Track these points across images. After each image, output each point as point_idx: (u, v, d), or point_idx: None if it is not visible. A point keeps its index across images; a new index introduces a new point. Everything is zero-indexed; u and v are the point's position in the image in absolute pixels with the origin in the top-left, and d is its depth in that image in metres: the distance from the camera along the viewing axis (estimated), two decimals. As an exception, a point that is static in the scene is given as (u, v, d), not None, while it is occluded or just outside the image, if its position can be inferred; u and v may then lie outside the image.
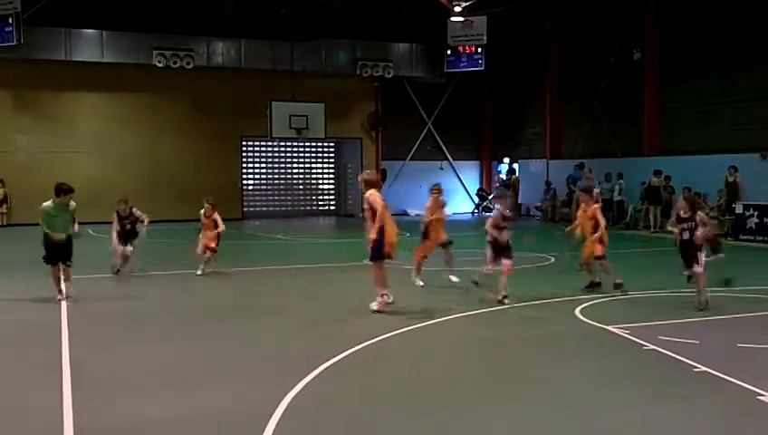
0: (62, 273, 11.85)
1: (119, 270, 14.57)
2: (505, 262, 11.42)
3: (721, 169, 21.58)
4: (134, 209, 14.94)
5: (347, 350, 8.47)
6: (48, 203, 11.63)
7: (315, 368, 7.64)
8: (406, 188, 32.79)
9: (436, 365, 8.21)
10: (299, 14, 28.68)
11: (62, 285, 11.80)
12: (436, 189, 13.47)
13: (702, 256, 10.45)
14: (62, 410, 6.38)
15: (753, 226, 20.14)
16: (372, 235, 10.49)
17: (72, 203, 11.90)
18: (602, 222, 12.25)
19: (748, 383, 7.06)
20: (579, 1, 28.36)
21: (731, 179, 21.37)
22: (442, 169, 34.02)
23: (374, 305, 10.59)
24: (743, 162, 21.50)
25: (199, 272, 14.58)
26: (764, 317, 10.15)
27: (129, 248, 14.57)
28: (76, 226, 12.04)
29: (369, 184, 10.88)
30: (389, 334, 9.28)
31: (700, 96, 24.30)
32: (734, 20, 23.07)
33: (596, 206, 12.53)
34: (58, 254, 11.78)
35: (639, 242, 21.16)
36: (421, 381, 7.48)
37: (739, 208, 20.67)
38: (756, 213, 20.23)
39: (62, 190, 11.82)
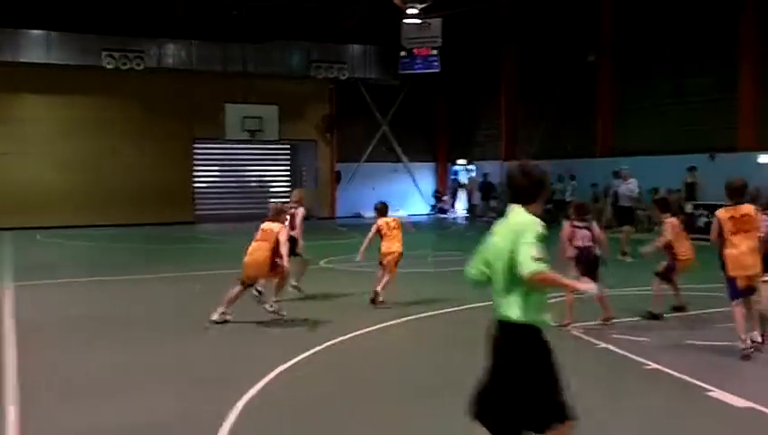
0: None
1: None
2: None
3: (673, 170, 21.88)
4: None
5: (312, 349, 8.37)
6: (533, 221, 4.40)
7: (271, 371, 7.55)
8: (360, 191, 32.72)
9: (399, 366, 8.15)
10: (251, 15, 28.41)
11: None
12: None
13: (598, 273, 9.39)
14: (6, 423, 6.16)
15: (703, 225, 20.45)
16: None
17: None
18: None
19: (697, 380, 7.14)
20: (533, 4, 28.57)
21: (690, 180, 21.65)
22: (396, 171, 34.02)
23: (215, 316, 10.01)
24: (692, 162, 21.85)
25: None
26: (713, 314, 10.29)
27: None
28: None
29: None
30: (351, 335, 9.24)
31: (652, 97, 24.64)
32: (685, 22, 23.44)
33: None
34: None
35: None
36: (382, 383, 7.41)
37: (689, 208, 21.00)
38: (706, 212, 20.55)
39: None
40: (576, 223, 9.83)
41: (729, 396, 6.66)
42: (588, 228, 9.74)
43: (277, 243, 9.94)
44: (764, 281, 8.85)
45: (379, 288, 11.22)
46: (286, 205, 11.49)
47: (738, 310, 8.03)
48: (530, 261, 4.18)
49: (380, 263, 11.62)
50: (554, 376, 4.34)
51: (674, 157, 22.49)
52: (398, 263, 11.57)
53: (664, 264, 10.47)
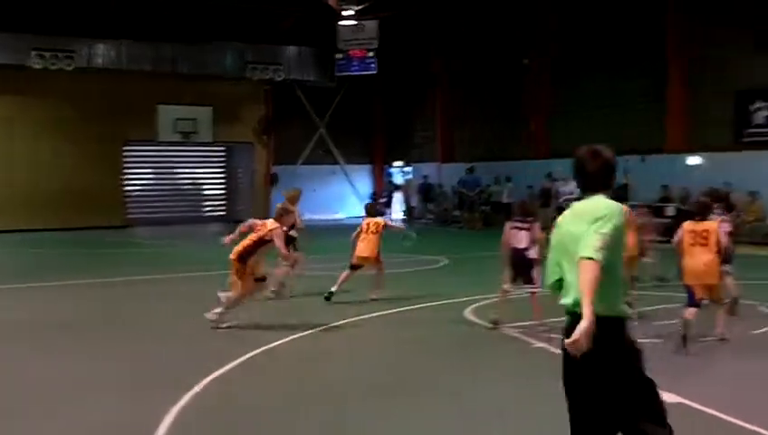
0: None
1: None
2: None
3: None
4: None
5: (239, 357, 8.16)
6: (617, 208, 4.07)
7: (205, 377, 7.34)
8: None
9: (325, 373, 7.99)
10: (184, 15, 27.90)
11: None
12: None
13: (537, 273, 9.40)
14: None
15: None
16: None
17: None
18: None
19: (631, 377, 7.19)
20: (469, 7, 28.69)
21: (624, 181, 21.99)
22: (334, 173, 33.85)
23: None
24: (624, 164, 22.21)
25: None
26: (648, 312, 10.45)
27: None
28: None
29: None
30: (297, 335, 9.10)
31: (585, 100, 24.97)
32: (616, 25, 23.81)
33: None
34: None
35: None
36: (312, 389, 7.26)
37: (621, 209, 21.37)
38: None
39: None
40: (516, 224, 9.78)
41: (660, 392, 6.71)
42: (528, 229, 9.70)
43: (260, 239, 9.74)
44: (726, 272, 9.37)
45: (376, 295, 11.60)
46: (289, 208, 11.10)
47: (689, 312, 8.47)
48: (590, 247, 3.80)
49: (351, 265, 11.69)
50: (644, 373, 4.00)
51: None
52: (379, 260, 11.78)
53: None
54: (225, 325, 9.70)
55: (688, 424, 6.21)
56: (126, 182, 30.02)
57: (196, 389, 6.98)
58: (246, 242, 9.82)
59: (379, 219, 12.01)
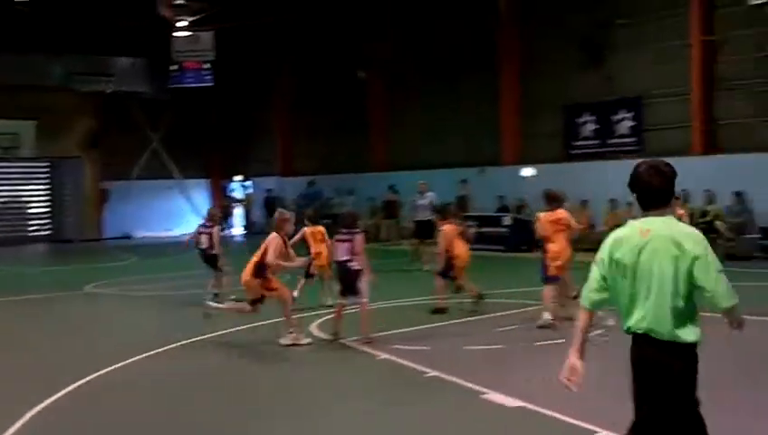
0: None
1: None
2: None
3: (446, 183, 22.52)
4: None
5: (59, 389, 7.48)
6: (701, 236, 3.97)
7: (27, 411, 6.68)
8: (131, 210, 30.91)
9: (164, 399, 7.48)
10: (6, 24, 25.99)
11: None
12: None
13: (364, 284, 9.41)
14: None
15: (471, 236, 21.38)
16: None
17: None
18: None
19: (473, 384, 7.25)
20: (306, 19, 28.56)
21: (463, 192, 22.49)
22: (170, 188, 32.62)
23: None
24: (464, 176, 22.71)
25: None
26: (485, 320, 10.65)
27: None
28: None
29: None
30: (124, 363, 8.41)
31: (425, 112, 25.41)
32: (453, 39, 24.40)
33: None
34: None
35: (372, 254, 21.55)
36: (151, 418, 6.76)
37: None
38: (477, 223, 21.50)
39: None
40: (340, 236, 9.58)
41: (502, 397, 6.79)
42: (350, 241, 9.48)
43: (265, 253, 9.10)
44: None
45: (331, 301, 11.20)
46: (286, 216, 10.04)
47: (548, 292, 9.85)
48: (727, 294, 3.75)
49: (308, 273, 11.71)
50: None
51: (446, 170, 23.14)
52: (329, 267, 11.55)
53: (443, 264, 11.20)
54: (304, 342, 9.35)
55: (527, 425, 6.29)
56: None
57: (18, 424, 6.33)
58: (251, 266, 9.29)
59: (321, 228, 12.04)
